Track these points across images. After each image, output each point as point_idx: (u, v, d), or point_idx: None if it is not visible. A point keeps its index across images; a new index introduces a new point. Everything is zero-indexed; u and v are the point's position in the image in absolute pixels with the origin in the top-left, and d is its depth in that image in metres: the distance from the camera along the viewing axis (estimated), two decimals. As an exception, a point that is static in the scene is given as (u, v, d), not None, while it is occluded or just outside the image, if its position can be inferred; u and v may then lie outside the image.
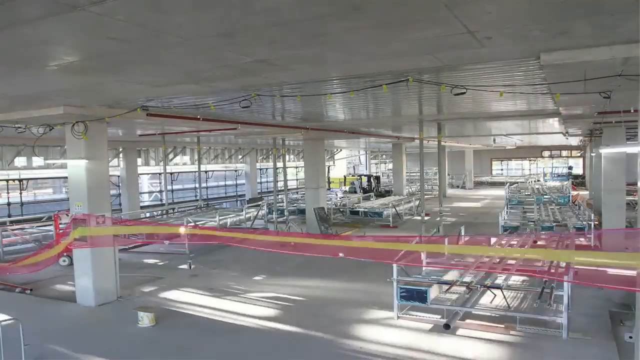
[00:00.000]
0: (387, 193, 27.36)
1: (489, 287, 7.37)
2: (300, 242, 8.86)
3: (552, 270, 7.69)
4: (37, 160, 17.74)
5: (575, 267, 7.73)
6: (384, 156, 39.90)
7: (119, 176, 20.57)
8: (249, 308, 9.05)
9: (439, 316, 7.88)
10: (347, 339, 7.42)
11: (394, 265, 7.93)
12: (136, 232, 12.37)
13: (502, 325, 7.38)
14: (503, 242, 10.31)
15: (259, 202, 20.08)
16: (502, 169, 43.91)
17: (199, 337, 7.59)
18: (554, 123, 15.07)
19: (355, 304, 9.01)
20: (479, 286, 7.39)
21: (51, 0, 3.39)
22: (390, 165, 33.40)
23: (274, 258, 12.89)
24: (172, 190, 24.21)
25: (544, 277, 7.44)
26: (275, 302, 9.38)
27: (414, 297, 7.74)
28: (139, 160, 21.92)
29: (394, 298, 7.99)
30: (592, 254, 7.74)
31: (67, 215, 11.35)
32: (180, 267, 12.36)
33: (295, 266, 12.13)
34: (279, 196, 19.75)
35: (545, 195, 19.58)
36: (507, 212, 16.10)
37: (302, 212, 19.04)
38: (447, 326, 7.10)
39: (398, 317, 8.00)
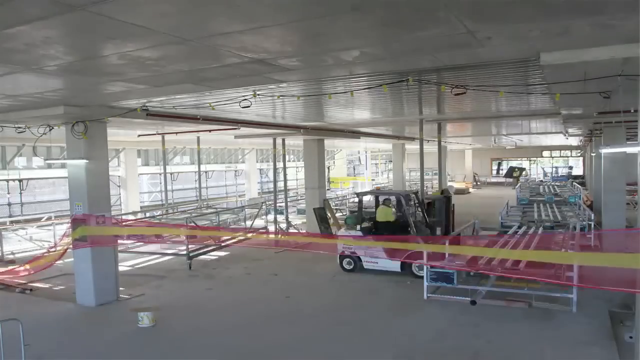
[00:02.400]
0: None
1: (505, 274, 8.20)
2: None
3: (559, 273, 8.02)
4: (37, 160, 17.74)
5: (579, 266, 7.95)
6: (383, 156, 39.85)
7: (119, 176, 20.56)
8: (249, 307, 9.05)
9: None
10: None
11: (424, 252, 9.08)
12: (137, 232, 12.38)
13: (522, 301, 8.35)
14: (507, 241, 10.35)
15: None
16: (502, 169, 43.85)
17: (199, 337, 7.59)
18: (553, 123, 15.07)
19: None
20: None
21: (51, 0, 3.39)
22: (390, 165, 33.36)
23: (275, 257, 12.90)
24: (172, 190, 24.17)
25: (551, 281, 7.91)
26: (277, 301, 9.38)
27: (442, 278, 8.90)
28: (139, 161, 21.91)
29: (424, 280, 9.04)
30: (593, 256, 8.06)
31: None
32: (180, 267, 12.35)
33: (296, 265, 12.13)
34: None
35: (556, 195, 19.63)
36: (506, 212, 16.06)
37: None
38: (473, 302, 8.07)
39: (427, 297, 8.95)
